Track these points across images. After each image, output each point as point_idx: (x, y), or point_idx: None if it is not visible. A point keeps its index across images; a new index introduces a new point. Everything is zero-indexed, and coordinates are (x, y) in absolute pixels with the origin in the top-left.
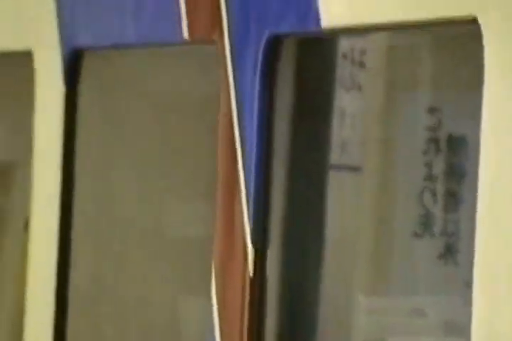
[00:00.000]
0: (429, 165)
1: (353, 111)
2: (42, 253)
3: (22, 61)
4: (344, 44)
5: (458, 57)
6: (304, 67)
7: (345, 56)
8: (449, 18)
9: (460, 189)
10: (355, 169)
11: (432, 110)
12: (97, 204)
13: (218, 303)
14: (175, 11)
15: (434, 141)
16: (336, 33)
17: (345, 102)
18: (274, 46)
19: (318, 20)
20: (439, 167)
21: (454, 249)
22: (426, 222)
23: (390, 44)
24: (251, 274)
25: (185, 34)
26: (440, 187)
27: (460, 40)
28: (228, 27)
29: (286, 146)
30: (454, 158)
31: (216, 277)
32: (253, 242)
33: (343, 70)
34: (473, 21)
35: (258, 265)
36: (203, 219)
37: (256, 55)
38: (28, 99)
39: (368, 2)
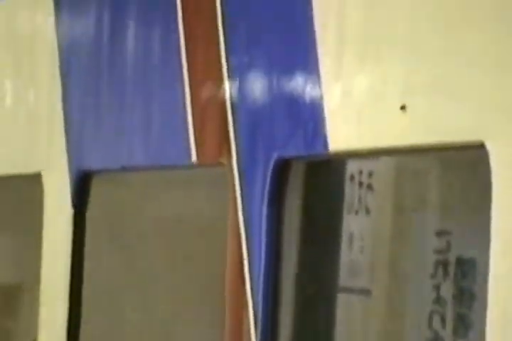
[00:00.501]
0: (437, 288)
1: (361, 234)
2: None
3: (32, 183)
4: (352, 166)
5: (466, 180)
6: (312, 190)
7: (353, 178)
8: (456, 143)
9: (469, 313)
10: (364, 292)
11: (440, 233)
12: (105, 330)
13: None
14: (183, 135)
15: (442, 263)
16: (343, 156)
17: (353, 225)
18: (282, 169)
19: (326, 143)
20: (448, 290)
21: None
22: None
23: (398, 167)
24: None
25: (194, 157)
26: (449, 311)
27: (468, 164)
28: (236, 150)
29: (294, 269)
30: (463, 281)
31: None
32: None
33: (351, 192)
34: (481, 146)
35: None
36: None
37: (264, 177)
38: (36, 222)
39: (375, 126)
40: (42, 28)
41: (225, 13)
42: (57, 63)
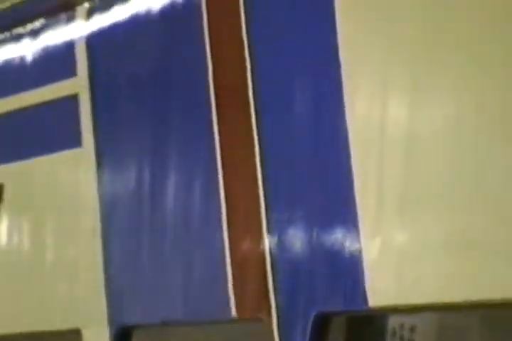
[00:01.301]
0: None
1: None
2: None
3: (71, 339)
4: (393, 320)
5: (507, 338)
6: None
7: (394, 333)
8: (498, 299)
9: None
10: None
11: None
12: None
13: None
14: (223, 289)
15: None
16: (384, 312)
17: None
18: (321, 324)
19: (365, 298)
20: None
21: None
22: None
23: (439, 322)
24: None
25: (233, 312)
26: None
27: (509, 321)
28: (276, 305)
29: None
30: None
31: None
32: None
33: None
34: None
35: None
36: None
37: (303, 332)
38: None
39: (415, 281)
40: (84, 184)
41: (264, 170)
42: (98, 220)
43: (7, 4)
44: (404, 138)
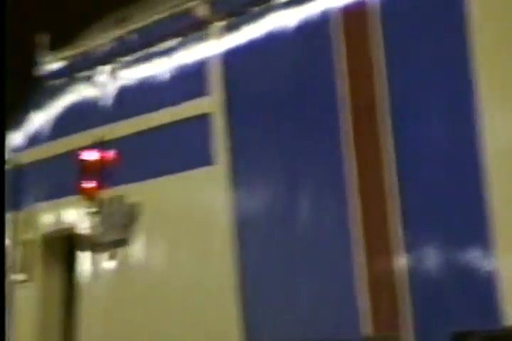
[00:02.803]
0: None
1: None
2: None
3: None
4: None
5: None
6: None
7: None
8: None
9: None
10: None
11: None
12: None
13: None
14: (356, 308)
15: None
16: None
17: None
18: None
19: (502, 318)
20: None
21: None
22: None
23: None
24: None
25: (367, 330)
26: None
27: None
28: (412, 324)
29: None
30: None
31: None
32: None
33: None
34: None
35: None
36: None
37: None
38: None
39: None
40: (217, 201)
41: (402, 189)
42: (231, 237)
43: (141, 24)
44: None
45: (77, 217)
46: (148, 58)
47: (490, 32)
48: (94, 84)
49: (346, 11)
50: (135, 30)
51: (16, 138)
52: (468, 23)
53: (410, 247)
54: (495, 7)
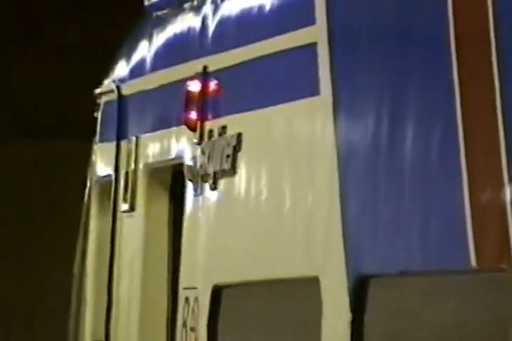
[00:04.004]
0: None
1: None
2: None
3: (309, 286)
4: None
5: None
6: None
7: None
8: None
9: None
10: None
11: None
12: None
13: None
14: (462, 239)
15: None
16: None
17: None
18: None
19: None
20: None
21: None
22: None
23: None
24: None
25: (473, 262)
26: None
27: None
28: None
29: None
30: None
31: None
32: None
33: None
34: None
35: None
36: None
37: None
38: (313, 324)
39: None
40: (321, 132)
41: (506, 120)
42: (335, 167)
43: None
44: None
45: (180, 147)
46: None
47: None
48: (199, 15)
49: None
50: None
51: (121, 69)
52: None
53: None
54: None
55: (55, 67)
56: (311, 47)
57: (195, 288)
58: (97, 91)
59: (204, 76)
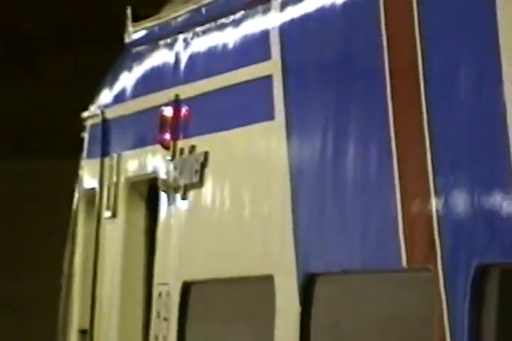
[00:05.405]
0: None
1: None
2: None
3: (265, 283)
4: None
5: None
6: (508, 294)
7: None
8: None
9: None
10: None
11: None
12: None
13: None
14: (395, 243)
15: None
16: None
17: None
18: (481, 274)
19: None
20: None
21: None
22: None
23: None
24: None
25: (404, 262)
26: None
27: None
28: (441, 257)
29: None
30: None
31: None
32: None
33: None
34: None
35: None
36: None
37: (465, 283)
38: (268, 316)
39: None
40: (276, 151)
41: (432, 141)
42: (288, 180)
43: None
44: None
45: (155, 163)
46: (217, 28)
47: None
48: (172, 51)
49: None
50: (207, 5)
51: (105, 96)
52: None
53: (440, 190)
54: None
55: (50, 95)
56: (267, 78)
57: (167, 284)
58: (84, 115)
59: (176, 103)
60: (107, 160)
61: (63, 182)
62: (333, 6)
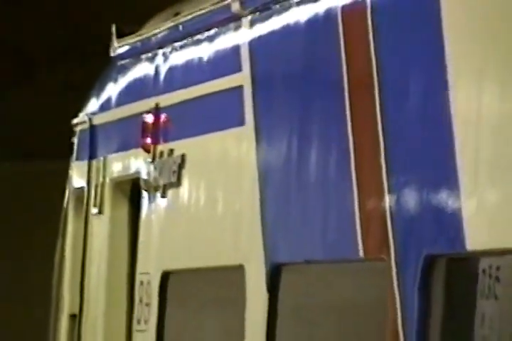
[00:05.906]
0: None
1: (491, 315)
2: None
3: (236, 272)
4: (484, 262)
5: None
6: (453, 279)
7: (484, 271)
8: None
9: None
10: None
11: None
12: None
13: None
14: (353, 235)
15: None
16: (478, 254)
17: (485, 307)
18: (429, 263)
19: (464, 244)
20: None
21: None
22: None
23: None
24: None
25: (361, 253)
26: None
27: None
28: (394, 249)
29: (439, 338)
30: None
31: None
32: None
33: (483, 283)
34: None
35: None
36: None
37: (415, 270)
38: (239, 303)
39: (504, 231)
40: (245, 154)
41: (386, 145)
42: (257, 179)
43: (190, 17)
44: (496, 116)
45: (138, 165)
46: (193, 44)
47: (461, 18)
48: (153, 64)
49: (344, 9)
50: (184, 22)
51: (93, 104)
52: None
53: (393, 189)
54: None
55: (46, 103)
56: (238, 89)
57: (148, 273)
58: (74, 121)
59: (156, 110)
60: (94, 162)
61: (59, 183)
62: (296, 24)
